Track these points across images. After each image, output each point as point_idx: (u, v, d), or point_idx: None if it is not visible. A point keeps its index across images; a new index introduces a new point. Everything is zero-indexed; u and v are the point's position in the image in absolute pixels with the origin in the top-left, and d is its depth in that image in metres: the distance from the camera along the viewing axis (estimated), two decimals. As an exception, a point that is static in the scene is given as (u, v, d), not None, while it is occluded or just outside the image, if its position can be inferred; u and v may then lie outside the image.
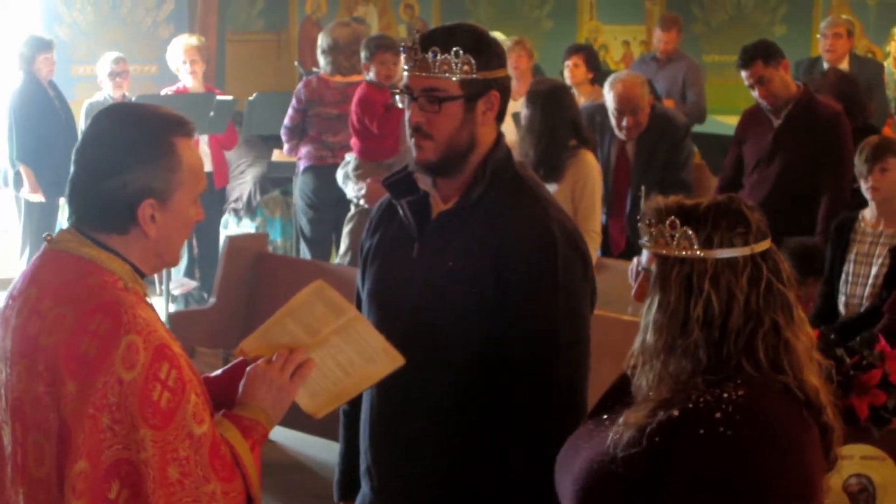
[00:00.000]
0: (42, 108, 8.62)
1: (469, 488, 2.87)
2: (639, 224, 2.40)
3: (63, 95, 8.90)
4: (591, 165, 6.14)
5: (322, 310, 2.62)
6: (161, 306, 7.69)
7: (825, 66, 8.37)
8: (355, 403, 3.01)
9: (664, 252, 2.33)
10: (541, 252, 2.80)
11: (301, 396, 2.62)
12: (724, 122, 9.63)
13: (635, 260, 2.45)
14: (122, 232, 2.45)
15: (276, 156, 9.14)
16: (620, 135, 6.68)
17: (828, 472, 2.37)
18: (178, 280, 8.61)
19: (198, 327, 6.49)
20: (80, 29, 10.85)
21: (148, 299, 2.48)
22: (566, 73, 8.74)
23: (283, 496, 5.82)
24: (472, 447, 2.86)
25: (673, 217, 2.32)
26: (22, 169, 8.56)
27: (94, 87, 9.21)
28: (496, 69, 2.85)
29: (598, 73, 8.78)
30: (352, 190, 7.26)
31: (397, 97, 2.89)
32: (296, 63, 10.87)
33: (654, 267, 2.35)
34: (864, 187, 5.49)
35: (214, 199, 8.47)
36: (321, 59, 7.78)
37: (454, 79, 2.79)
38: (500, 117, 2.90)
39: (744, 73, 6.48)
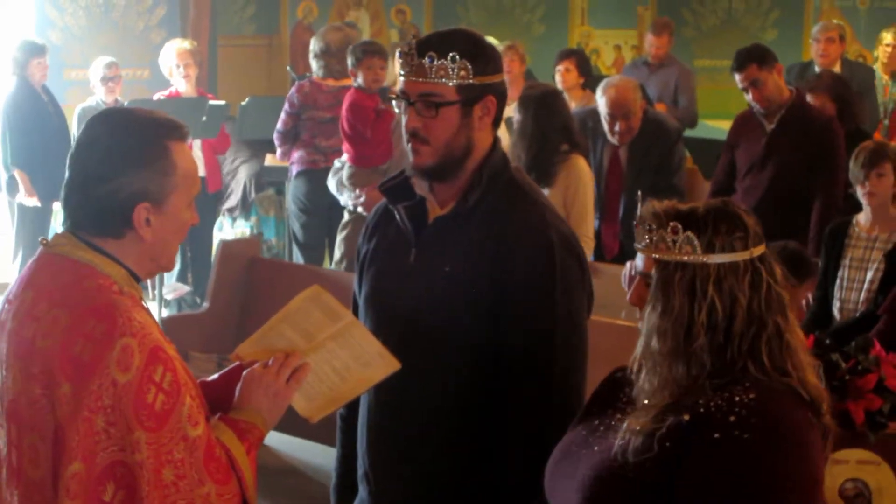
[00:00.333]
0: (35, 112, 8.62)
1: (467, 492, 2.87)
2: (636, 228, 2.40)
3: (56, 100, 8.90)
4: (582, 170, 6.15)
5: (318, 315, 2.63)
6: (154, 311, 7.67)
7: (817, 70, 8.38)
8: (352, 408, 3.01)
9: (665, 257, 2.33)
10: (538, 256, 2.79)
11: (297, 400, 2.62)
12: (716, 127, 9.65)
13: (629, 264, 2.45)
14: (117, 236, 2.45)
15: (269, 160, 9.12)
16: (613, 140, 6.67)
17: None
18: (171, 285, 8.60)
19: (191, 332, 6.49)
20: (72, 33, 10.84)
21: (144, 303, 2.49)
22: (557, 78, 8.75)
23: (279, 500, 5.80)
24: (470, 451, 2.86)
25: (674, 222, 2.32)
26: (17, 173, 8.56)
27: (87, 91, 9.21)
28: (493, 74, 2.85)
29: (589, 78, 8.79)
30: (347, 198, 7.26)
31: (394, 102, 2.89)
32: (288, 67, 10.86)
33: (654, 272, 2.35)
34: (861, 193, 5.49)
35: (207, 203, 8.46)
36: (313, 64, 7.78)
37: (451, 84, 2.78)
38: (496, 122, 2.89)
39: (738, 77, 6.46)
